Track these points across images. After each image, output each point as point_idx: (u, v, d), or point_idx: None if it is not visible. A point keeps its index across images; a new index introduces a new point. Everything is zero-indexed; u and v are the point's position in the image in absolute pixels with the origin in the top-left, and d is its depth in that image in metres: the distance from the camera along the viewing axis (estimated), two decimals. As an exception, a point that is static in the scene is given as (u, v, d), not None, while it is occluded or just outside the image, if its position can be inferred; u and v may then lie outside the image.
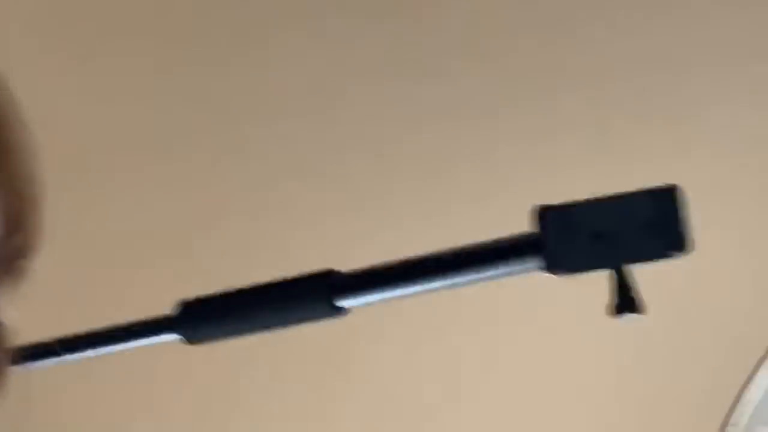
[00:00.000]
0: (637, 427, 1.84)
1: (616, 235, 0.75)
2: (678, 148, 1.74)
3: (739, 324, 1.79)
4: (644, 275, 0.75)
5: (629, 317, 0.77)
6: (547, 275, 0.77)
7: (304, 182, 1.77)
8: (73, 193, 1.60)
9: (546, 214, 0.76)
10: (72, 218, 1.67)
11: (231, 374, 1.79)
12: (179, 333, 0.85)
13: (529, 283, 0.81)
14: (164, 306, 0.88)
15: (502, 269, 0.80)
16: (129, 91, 1.72)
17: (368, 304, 0.82)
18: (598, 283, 0.76)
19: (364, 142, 1.76)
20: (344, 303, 0.83)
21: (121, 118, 1.73)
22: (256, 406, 1.83)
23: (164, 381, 1.79)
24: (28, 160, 0.46)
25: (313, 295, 0.83)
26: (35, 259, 0.47)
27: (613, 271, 0.77)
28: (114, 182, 1.74)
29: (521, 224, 0.77)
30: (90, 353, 0.88)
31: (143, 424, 1.82)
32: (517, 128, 1.75)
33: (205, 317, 0.86)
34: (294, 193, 1.76)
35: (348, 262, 0.85)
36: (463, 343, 1.81)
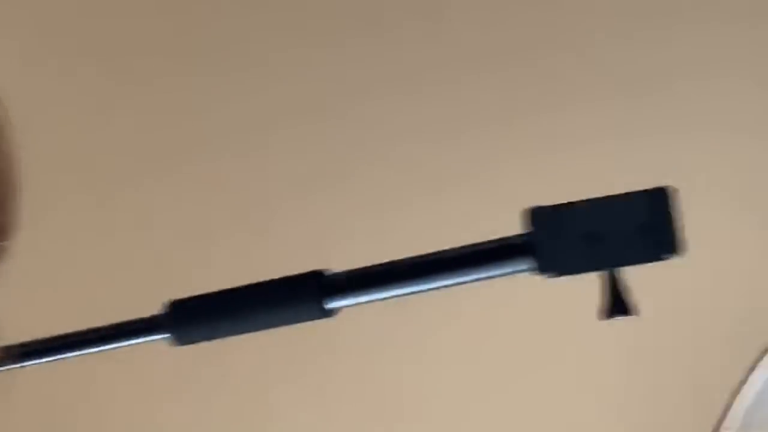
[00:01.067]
0: (630, 427, 1.83)
1: (608, 236, 0.75)
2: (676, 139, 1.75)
3: (733, 325, 1.79)
4: (637, 274, 0.75)
5: (621, 320, 0.76)
6: (538, 277, 0.77)
7: (306, 191, 1.77)
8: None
9: (537, 215, 0.76)
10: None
11: (222, 374, 1.79)
12: (168, 333, 0.85)
13: (523, 282, 0.81)
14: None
15: (493, 271, 0.80)
16: (139, 100, 1.72)
17: (358, 305, 0.82)
18: (593, 282, 0.76)
19: (364, 149, 1.77)
20: (334, 304, 0.83)
21: (129, 127, 1.74)
22: (248, 406, 1.82)
23: (151, 381, 1.78)
24: (5, 143, 0.45)
25: (303, 295, 0.83)
26: (12, 241, 0.46)
27: (605, 274, 0.76)
28: (121, 190, 1.74)
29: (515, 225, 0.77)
30: (77, 353, 0.87)
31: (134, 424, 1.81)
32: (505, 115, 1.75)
33: (194, 317, 0.85)
34: (297, 202, 1.77)
35: (339, 264, 0.85)
36: (456, 343, 1.81)
